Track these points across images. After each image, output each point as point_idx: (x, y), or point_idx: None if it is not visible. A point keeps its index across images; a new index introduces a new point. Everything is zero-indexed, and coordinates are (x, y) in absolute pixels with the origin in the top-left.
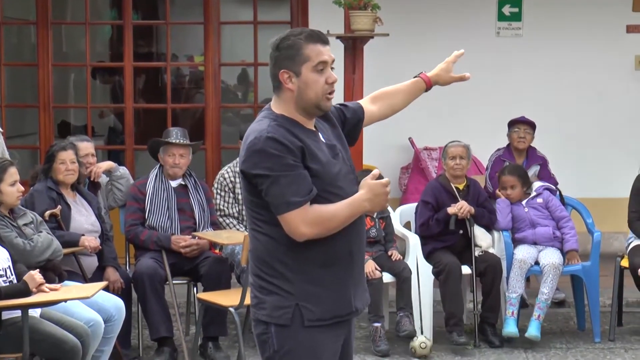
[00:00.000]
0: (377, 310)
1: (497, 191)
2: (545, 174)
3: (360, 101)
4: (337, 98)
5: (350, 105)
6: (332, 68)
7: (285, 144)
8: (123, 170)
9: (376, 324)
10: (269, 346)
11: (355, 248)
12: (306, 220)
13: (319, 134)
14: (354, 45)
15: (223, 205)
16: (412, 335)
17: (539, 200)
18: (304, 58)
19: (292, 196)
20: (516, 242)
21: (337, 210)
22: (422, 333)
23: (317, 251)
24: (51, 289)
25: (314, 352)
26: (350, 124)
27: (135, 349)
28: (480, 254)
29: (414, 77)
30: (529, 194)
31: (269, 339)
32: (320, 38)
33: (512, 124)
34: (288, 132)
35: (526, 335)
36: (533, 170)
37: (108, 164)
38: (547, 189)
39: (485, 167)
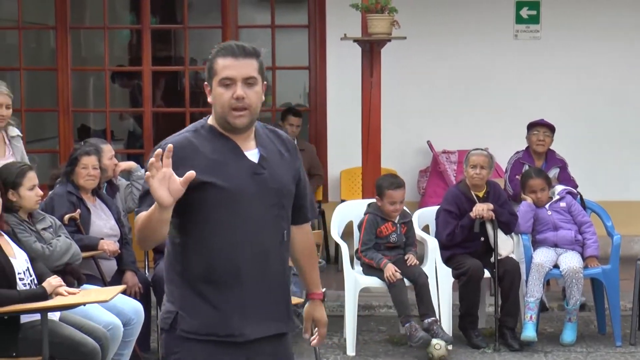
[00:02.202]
0: (405, 309)
1: (523, 195)
2: (565, 177)
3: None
4: (356, 102)
5: (300, 194)
6: (249, 84)
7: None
8: (143, 171)
9: (407, 324)
10: (162, 349)
11: (248, 271)
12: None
13: (246, 152)
14: (371, 48)
15: None
16: (448, 341)
17: (562, 204)
18: (214, 72)
19: (141, 203)
20: (537, 243)
21: (141, 214)
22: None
23: (198, 264)
24: (70, 293)
25: None
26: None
27: (155, 352)
28: (500, 257)
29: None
30: (551, 197)
31: (161, 343)
32: (234, 52)
33: (531, 126)
34: (195, 141)
35: (561, 342)
36: (553, 173)
37: (129, 164)
38: (569, 192)
39: (504, 169)
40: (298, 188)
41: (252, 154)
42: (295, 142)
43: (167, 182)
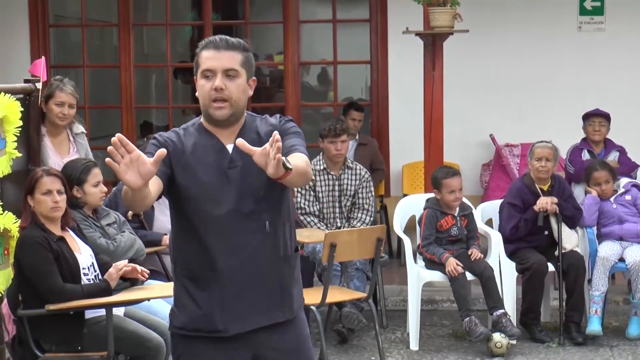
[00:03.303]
0: (465, 304)
1: (587, 187)
2: (624, 160)
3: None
4: (417, 96)
5: (285, 143)
6: (229, 76)
7: (160, 143)
8: None
9: (466, 319)
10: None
11: (224, 267)
12: None
13: (227, 146)
14: (433, 42)
15: (304, 204)
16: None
17: (627, 197)
18: (198, 65)
19: None
20: (602, 237)
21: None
22: None
23: (181, 261)
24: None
25: None
26: None
27: None
28: (564, 251)
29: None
30: (616, 190)
31: None
32: (216, 44)
33: (587, 117)
34: (183, 138)
35: (626, 336)
36: (613, 156)
37: None
38: (635, 185)
39: (565, 161)
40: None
41: (230, 148)
42: (357, 137)
43: (135, 165)
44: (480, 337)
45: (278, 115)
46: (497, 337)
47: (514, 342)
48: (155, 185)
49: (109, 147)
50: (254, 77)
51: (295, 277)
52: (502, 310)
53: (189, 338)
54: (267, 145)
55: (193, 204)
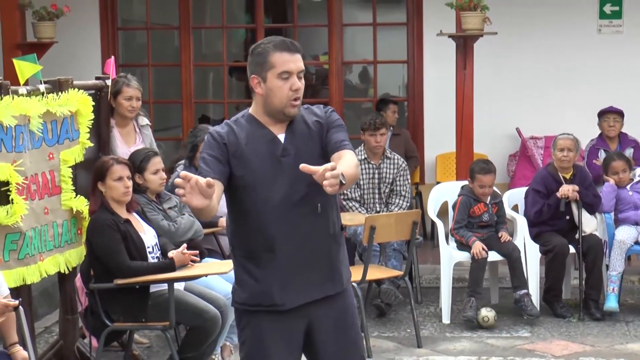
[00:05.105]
0: (475, 285)
1: (605, 176)
2: (638, 155)
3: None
4: (450, 92)
5: (333, 137)
6: (299, 77)
7: (216, 140)
8: None
9: (471, 298)
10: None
11: (282, 246)
12: None
13: (279, 136)
14: (464, 43)
15: (346, 190)
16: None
17: None
18: (270, 65)
19: None
20: (619, 222)
21: None
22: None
23: (240, 242)
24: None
25: (255, 334)
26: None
27: None
28: (584, 234)
29: None
30: (632, 179)
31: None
32: (289, 47)
33: (602, 114)
34: (236, 130)
35: None
36: (628, 152)
37: None
38: None
39: (583, 161)
40: (328, 134)
41: (282, 138)
42: (392, 128)
43: (196, 189)
44: (465, 318)
45: (322, 106)
46: (484, 312)
47: (532, 315)
48: (218, 189)
49: (177, 180)
50: None
51: (342, 254)
52: (525, 291)
53: (250, 312)
54: (326, 168)
55: (249, 192)
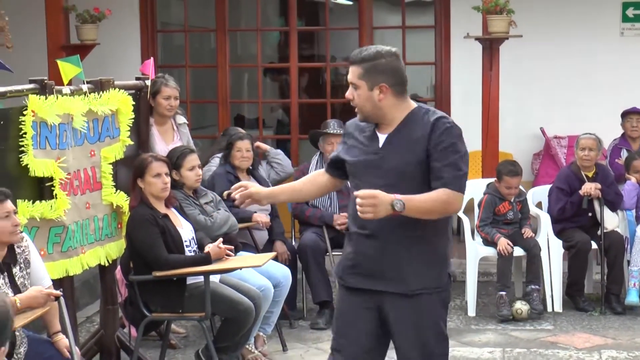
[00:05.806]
0: (504, 279)
1: (627, 175)
2: None
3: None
4: (476, 93)
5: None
6: (354, 88)
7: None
8: (273, 149)
9: (502, 292)
10: None
11: (360, 232)
12: None
13: (381, 135)
14: (490, 45)
15: None
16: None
17: None
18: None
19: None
20: None
21: None
22: (552, 302)
23: (350, 220)
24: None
25: (339, 305)
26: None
27: (300, 310)
28: (606, 231)
29: None
30: None
31: None
32: (350, 59)
33: (625, 114)
34: (355, 124)
35: None
36: None
37: (266, 146)
38: None
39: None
40: (431, 157)
41: (383, 138)
42: None
43: (248, 194)
44: (502, 316)
45: (438, 118)
46: (519, 304)
47: (536, 310)
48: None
49: (234, 195)
50: (382, 84)
51: (425, 258)
52: (536, 287)
53: (340, 285)
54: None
55: (351, 178)
